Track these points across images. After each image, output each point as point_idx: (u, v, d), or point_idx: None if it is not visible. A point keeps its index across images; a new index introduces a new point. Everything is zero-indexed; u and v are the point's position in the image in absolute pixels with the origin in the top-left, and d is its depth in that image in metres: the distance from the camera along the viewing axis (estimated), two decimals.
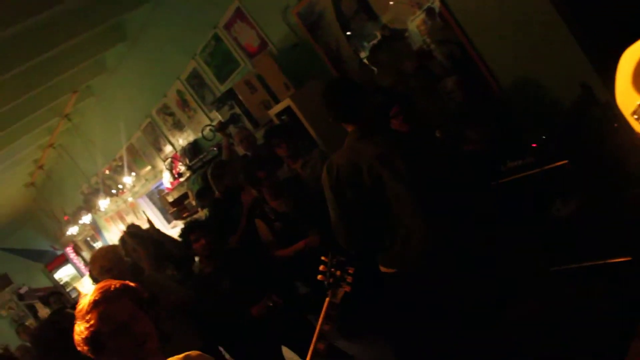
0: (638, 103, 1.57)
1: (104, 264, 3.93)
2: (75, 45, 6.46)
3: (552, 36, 3.38)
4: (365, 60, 4.68)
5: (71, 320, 1.95)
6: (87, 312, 1.85)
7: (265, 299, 3.86)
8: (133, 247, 5.38)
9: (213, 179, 5.14)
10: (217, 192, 5.21)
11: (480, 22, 3.78)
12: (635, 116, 1.58)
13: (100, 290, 1.90)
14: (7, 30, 5.09)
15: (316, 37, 4.87)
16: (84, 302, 1.89)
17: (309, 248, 4.07)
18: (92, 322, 1.83)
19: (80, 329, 1.85)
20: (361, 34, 4.57)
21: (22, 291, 16.05)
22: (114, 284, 1.94)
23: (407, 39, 4.30)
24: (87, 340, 1.84)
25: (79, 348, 1.86)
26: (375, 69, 4.67)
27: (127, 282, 2.00)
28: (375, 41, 4.51)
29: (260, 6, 5.31)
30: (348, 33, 4.61)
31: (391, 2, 4.17)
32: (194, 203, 7.08)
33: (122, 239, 5.80)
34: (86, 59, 7.29)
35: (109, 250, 4.13)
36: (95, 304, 1.85)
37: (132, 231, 5.70)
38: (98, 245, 14.10)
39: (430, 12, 4.03)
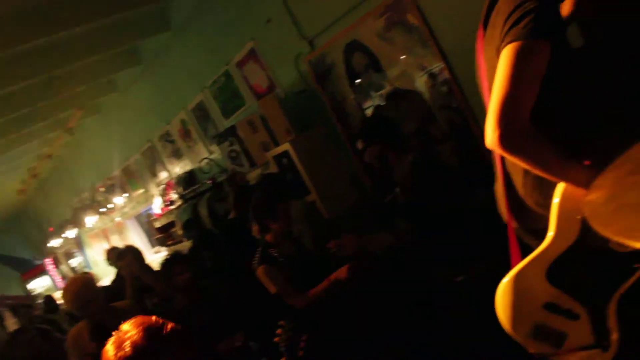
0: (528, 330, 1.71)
1: (79, 295, 3.80)
2: (89, 64, 6.60)
3: None
4: (367, 112, 4.79)
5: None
6: None
7: (236, 338, 3.81)
8: (130, 263, 5.17)
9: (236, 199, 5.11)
10: (233, 213, 5.18)
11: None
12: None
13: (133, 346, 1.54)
14: (20, 45, 5.22)
15: (324, 86, 4.99)
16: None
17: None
18: None
19: None
20: (368, 86, 4.68)
21: None
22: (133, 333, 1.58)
23: (412, 98, 4.41)
24: None
25: None
26: None
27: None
28: (383, 91, 4.60)
29: (274, 50, 5.45)
30: (358, 81, 4.71)
31: (403, 57, 4.28)
32: (179, 232, 7.10)
33: (126, 251, 5.62)
34: (98, 78, 7.43)
35: (80, 281, 3.98)
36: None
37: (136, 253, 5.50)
38: (78, 260, 14.01)
39: (433, 76, 4.15)
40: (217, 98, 6.52)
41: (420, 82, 4.27)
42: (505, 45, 1.58)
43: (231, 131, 5.78)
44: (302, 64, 5.11)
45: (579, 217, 1.58)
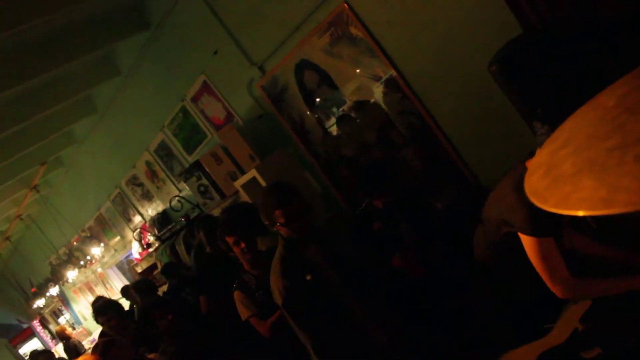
0: None
1: None
2: (45, 118, 6.51)
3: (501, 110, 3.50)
4: (330, 130, 4.79)
5: None
6: None
7: None
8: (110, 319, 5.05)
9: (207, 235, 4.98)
10: (209, 248, 4.97)
11: (436, 92, 3.93)
12: None
13: None
14: None
15: (280, 109, 4.99)
16: None
17: None
18: None
19: None
20: (326, 102, 4.68)
21: None
22: None
23: (369, 109, 4.42)
24: None
25: None
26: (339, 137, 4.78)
27: None
28: (345, 107, 4.58)
29: (226, 80, 5.44)
30: (318, 100, 4.71)
31: (358, 70, 4.29)
32: (159, 276, 7.01)
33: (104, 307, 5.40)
34: (56, 131, 7.31)
35: None
36: None
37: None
38: (66, 317, 13.74)
39: (387, 83, 4.17)
40: (178, 135, 6.48)
41: (377, 92, 4.28)
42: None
43: (196, 166, 5.74)
44: (256, 90, 5.10)
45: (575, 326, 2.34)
